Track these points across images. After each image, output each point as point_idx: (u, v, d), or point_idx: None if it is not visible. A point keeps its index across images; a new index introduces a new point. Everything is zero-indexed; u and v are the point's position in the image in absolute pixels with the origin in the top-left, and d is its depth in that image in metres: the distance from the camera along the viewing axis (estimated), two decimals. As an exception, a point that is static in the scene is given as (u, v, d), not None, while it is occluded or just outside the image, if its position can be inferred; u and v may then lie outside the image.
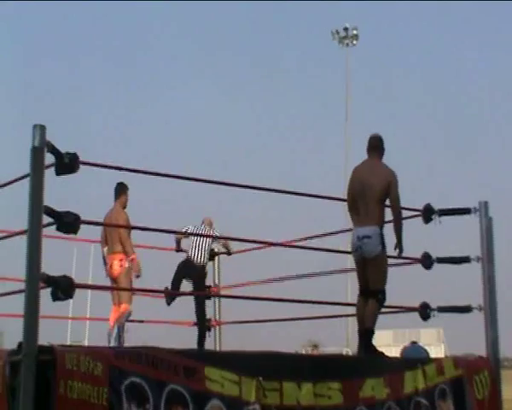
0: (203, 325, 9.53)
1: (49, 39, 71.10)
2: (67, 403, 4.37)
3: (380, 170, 6.90)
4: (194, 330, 9.68)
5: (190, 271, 9.63)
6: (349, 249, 7.18)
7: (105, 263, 8.97)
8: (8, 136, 52.61)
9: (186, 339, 9.63)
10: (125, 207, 9.01)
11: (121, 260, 8.76)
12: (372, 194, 6.77)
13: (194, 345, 9.27)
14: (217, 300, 9.83)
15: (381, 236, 6.78)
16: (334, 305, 7.85)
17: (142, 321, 9.59)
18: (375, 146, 7.07)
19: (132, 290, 8.70)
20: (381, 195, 6.80)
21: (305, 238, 8.29)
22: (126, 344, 8.52)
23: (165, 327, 10.08)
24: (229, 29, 67.27)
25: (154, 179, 6.54)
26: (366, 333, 6.77)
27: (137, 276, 8.79)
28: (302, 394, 5.49)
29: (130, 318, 8.92)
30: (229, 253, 9.95)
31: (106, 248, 8.96)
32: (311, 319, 8.89)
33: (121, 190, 9.02)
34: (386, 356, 7.04)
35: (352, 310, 11.03)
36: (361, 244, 6.74)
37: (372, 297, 6.75)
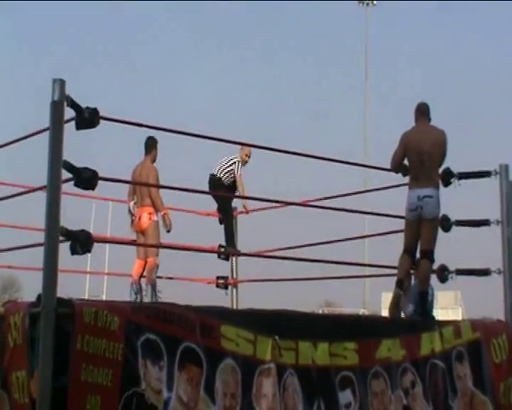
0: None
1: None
2: (84, 357, 4.38)
3: (436, 136, 7.07)
4: (212, 288, 9.75)
5: (210, 184, 10.01)
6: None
7: (131, 215, 8.96)
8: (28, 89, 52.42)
9: (204, 296, 9.69)
10: (154, 162, 9.01)
11: (150, 213, 8.81)
12: (433, 160, 6.97)
13: (211, 303, 9.33)
14: (234, 259, 9.88)
15: (439, 199, 6.98)
16: (352, 265, 7.86)
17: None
18: (426, 111, 7.24)
19: (154, 246, 8.67)
20: (440, 160, 7.07)
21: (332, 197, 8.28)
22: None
23: (184, 284, 10.14)
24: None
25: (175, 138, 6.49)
26: (422, 296, 6.96)
27: (168, 231, 8.82)
28: (318, 353, 5.45)
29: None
30: (246, 211, 10.03)
31: (132, 202, 8.95)
32: (329, 278, 8.89)
33: (152, 144, 8.99)
34: (403, 318, 7.06)
35: (369, 271, 11.05)
36: (422, 204, 6.88)
37: (425, 258, 6.95)
